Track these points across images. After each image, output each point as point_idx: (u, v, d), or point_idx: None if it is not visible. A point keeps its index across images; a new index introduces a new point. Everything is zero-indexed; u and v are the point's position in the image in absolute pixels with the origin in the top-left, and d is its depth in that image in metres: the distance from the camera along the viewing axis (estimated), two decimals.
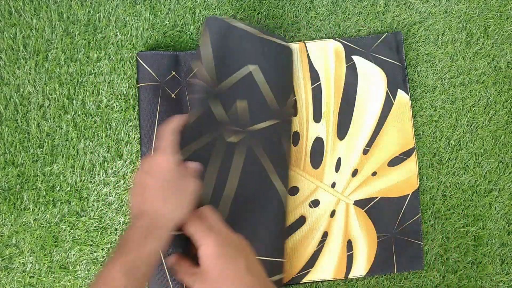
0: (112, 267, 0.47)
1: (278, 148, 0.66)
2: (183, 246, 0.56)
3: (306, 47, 0.73)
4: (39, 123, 0.70)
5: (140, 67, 0.70)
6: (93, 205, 0.70)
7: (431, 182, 0.73)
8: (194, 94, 0.62)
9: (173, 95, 0.69)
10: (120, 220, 0.70)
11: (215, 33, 0.64)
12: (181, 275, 0.52)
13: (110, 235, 0.70)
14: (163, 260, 0.60)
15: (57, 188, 0.70)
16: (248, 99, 0.64)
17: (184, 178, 0.54)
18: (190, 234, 0.52)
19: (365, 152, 0.72)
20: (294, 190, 0.71)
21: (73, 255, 0.69)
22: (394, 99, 0.72)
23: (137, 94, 0.71)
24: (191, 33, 0.73)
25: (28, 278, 0.69)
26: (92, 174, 0.70)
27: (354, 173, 0.71)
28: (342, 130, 0.72)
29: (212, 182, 0.60)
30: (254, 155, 0.63)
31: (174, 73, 0.70)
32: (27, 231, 0.69)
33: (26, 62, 0.71)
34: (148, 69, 0.70)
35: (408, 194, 0.71)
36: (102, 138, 0.71)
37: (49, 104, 0.71)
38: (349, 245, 0.70)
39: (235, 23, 0.65)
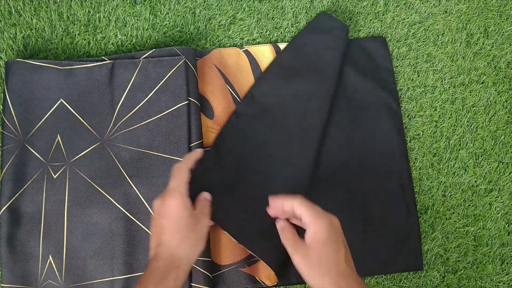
0: None
1: (106, 166, 0.67)
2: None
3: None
4: None
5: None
6: None
7: (431, 182, 0.73)
8: (4, 146, 0.66)
9: None
10: None
11: (14, 82, 0.67)
12: (285, 240, 0.57)
13: None
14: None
15: None
16: (60, 133, 0.67)
17: (195, 217, 0.56)
18: (300, 213, 0.56)
19: None
20: None
21: None
22: None
23: None
24: (191, 33, 0.73)
25: None
26: None
27: None
28: None
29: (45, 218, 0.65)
30: (80, 180, 0.66)
31: None
32: None
33: None
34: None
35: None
36: None
37: None
38: None
39: (37, 62, 0.67)
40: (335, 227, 0.56)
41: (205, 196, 0.62)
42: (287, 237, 0.58)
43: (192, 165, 0.61)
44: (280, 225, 0.60)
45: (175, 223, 0.54)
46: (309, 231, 0.56)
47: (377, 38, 0.74)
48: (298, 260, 0.56)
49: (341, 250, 0.55)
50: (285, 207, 0.58)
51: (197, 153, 0.63)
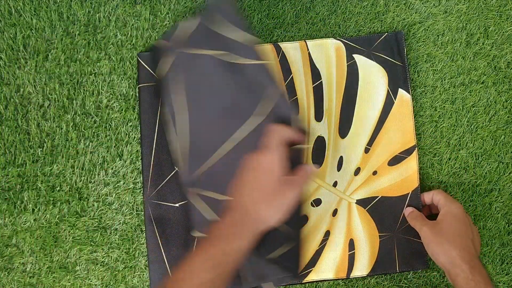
0: (198, 259, 0.49)
1: None
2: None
3: (307, 45, 0.73)
4: (39, 123, 0.70)
5: (141, 67, 0.70)
6: (93, 205, 0.70)
7: (431, 182, 0.73)
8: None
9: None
10: (120, 220, 0.70)
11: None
12: (413, 220, 0.68)
13: (110, 235, 0.69)
14: None
15: (57, 188, 0.70)
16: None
17: (289, 186, 0.53)
18: (438, 198, 0.67)
19: (366, 150, 0.72)
20: None
21: (73, 255, 0.69)
22: (395, 98, 0.72)
23: (137, 95, 0.71)
24: None
25: (28, 278, 0.68)
26: (92, 174, 0.70)
27: (357, 171, 0.71)
28: (344, 128, 0.72)
29: None
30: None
31: None
32: (27, 231, 0.69)
33: (26, 62, 0.71)
34: (149, 69, 0.70)
35: (408, 193, 0.71)
36: (102, 138, 0.71)
37: (49, 104, 0.71)
38: (351, 244, 0.70)
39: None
40: (467, 216, 0.65)
41: (311, 168, 0.58)
42: (415, 217, 0.67)
43: (291, 141, 0.57)
44: (407, 210, 0.69)
45: (268, 182, 0.52)
46: (443, 209, 0.65)
47: (397, 32, 0.74)
48: (427, 231, 0.64)
49: (470, 233, 0.63)
50: (425, 199, 0.70)
51: (297, 134, 0.58)
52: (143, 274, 0.69)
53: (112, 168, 0.70)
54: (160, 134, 0.69)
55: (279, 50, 0.73)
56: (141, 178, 0.70)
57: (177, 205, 0.69)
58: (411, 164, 0.72)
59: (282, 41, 0.74)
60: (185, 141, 0.65)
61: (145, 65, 0.70)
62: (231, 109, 0.64)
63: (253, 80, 0.63)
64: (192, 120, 0.64)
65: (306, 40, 0.73)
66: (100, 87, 0.71)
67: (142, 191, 0.70)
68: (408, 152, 0.72)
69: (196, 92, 0.65)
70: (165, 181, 0.69)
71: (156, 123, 0.69)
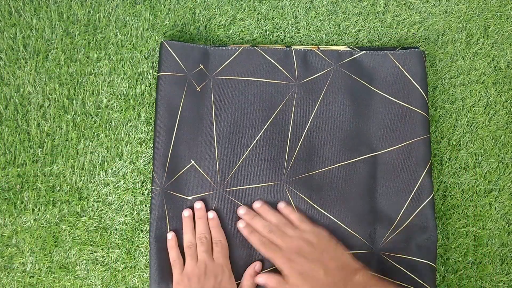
0: None
1: None
2: None
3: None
4: (39, 123, 0.70)
5: (168, 56, 0.69)
6: (93, 205, 0.70)
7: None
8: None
9: (198, 88, 0.70)
10: (120, 220, 0.70)
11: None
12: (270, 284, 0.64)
13: (110, 235, 0.70)
14: None
15: (57, 188, 0.70)
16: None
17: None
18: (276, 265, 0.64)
19: None
20: None
21: (73, 255, 0.69)
22: None
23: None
24: (191, 33, 0.73)
25: (28, 278, 0.69)
26: (92, 174, 0.70)
27: None
28: None
29: None
30: None
31: (202, 66, 0.70)
32: (27, 231, 0.69)
33: (26, 62, 0.71)
34: (177, 59, 0.69)
35: None
36: (102, 138, 0.71)
37: (49, 104, 0.71)
38: None
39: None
40: (305, 259, 0.61)
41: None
42: (270, 282, 0.63)
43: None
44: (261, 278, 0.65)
45: None
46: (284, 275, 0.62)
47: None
48: None
49: (319, 272, 0.60)
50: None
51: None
52: (143, 274, 0.69)
53: (112, 168, 0.70)
54: (181, 127, 0.68)
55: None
56: (152, 167, 0.68)
57: (190, 197, 0.68)
58: None
59: (281, 41, 0.74)
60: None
61: (174, 54, 0.69)
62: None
63: None
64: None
65: (319, 46, 0.72)
66: (100, 87, 0.71)
67: (151, 182, 0.69)
68: None
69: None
70: (181, 172, 0.68)
71: (178, 114, 0.68)
